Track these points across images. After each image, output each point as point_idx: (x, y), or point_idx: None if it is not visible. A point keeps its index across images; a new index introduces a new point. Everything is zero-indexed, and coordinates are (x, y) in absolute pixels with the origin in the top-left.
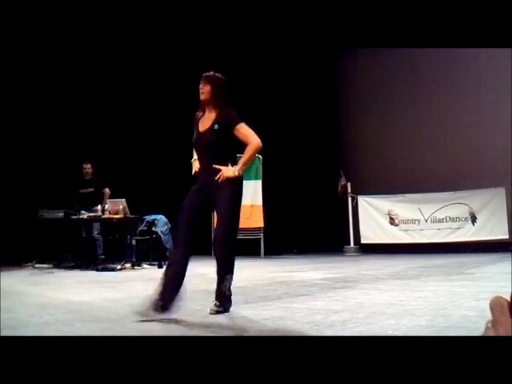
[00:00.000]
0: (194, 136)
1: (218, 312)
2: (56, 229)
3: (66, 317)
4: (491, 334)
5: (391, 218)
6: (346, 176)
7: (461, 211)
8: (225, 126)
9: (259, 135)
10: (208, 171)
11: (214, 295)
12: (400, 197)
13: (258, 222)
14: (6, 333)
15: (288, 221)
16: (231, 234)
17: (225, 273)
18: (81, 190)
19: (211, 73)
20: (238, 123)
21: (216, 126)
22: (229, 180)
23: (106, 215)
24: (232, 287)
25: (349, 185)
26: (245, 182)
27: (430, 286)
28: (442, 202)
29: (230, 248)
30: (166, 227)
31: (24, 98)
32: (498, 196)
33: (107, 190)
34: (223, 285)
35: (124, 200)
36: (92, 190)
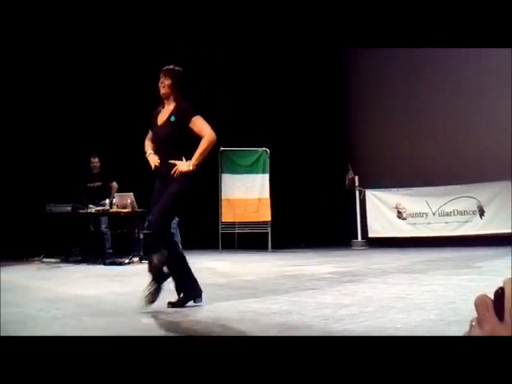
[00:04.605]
0: (153, 130)
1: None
2: (64, 223)
3: (73, 311)
4: (477, 331)
5: (399, 212)
6: (354, 169)
7: (468, 204)
8: (181, 119)
9: (267, 129)
10: (165, 165)
11: (220, 288)
12: (408, 190)
13: (266, 215)
14: (14, 327)
15: (295, 214)
16: (165, 219)
17: (156, 250)
18: (88, 184)
19: (171, 66)
20: (193, 116)
21: (172, 118)
22: (181, 177)
23: (114, 209)
24: (240, 280)
25: (356, 178)
26: (252, 176)
27: (438, 279)
28: (450, 195)
29: (159, 231)
30: (173, 221)
31: (30, 93)
32: (505, 189)
33: (115, 184)
34: (155, 258)
35: (132, 194)
36: (100, 183)
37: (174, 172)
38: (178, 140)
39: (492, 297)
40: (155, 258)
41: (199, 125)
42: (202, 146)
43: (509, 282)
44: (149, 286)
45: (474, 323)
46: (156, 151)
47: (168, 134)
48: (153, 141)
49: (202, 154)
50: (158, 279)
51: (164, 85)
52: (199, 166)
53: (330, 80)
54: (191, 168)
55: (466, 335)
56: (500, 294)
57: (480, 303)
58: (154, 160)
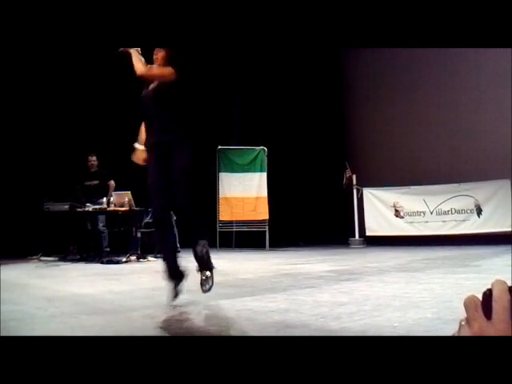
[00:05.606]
0: (143, 93)
1: (209, 289)
2: (61, 221)
3: (71, 309)
4: (466, 330)
5: (396, 211)
6: (352, 168)
7: (466, 203)
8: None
9: (265, 128)
10: (159, 130)
11: (217, 286)
12: (405, 189)
13: (263, 214)
14: (12, 325)
15: (293, 213)
16: (195, 197)
17: (200, 237)
18: (86, 183)
19: None
20: (170, 65)
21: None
22: (183, 142)
23: (112, 208)
24: (237, 279)
25: (354, 177)
26: (250, 175)
27: (435, 278)
28: (448, 194)
29: (197, 211)
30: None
31: (29, 91)
32: (503, 188)
33: (112, 183)
34: (199, 249)
35: (129, 192)
36: (97, 182)
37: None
38: (170, 100)
39: (481, 297)
40: (201, 246)
41: (161, 67)
42: (138, 66)
43: (496, 284)
44: (202, 274)
45: (463, 323)
46: (148, 119)
47: (159, 92)
48: (143, 101)
49: (135, 61)
50: (208, 265)
51: (157, 57)
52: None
53: (329, 79)
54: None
55: (456, 334)
56: (488, 294)
57: (469, 303)
58: (138, 157)
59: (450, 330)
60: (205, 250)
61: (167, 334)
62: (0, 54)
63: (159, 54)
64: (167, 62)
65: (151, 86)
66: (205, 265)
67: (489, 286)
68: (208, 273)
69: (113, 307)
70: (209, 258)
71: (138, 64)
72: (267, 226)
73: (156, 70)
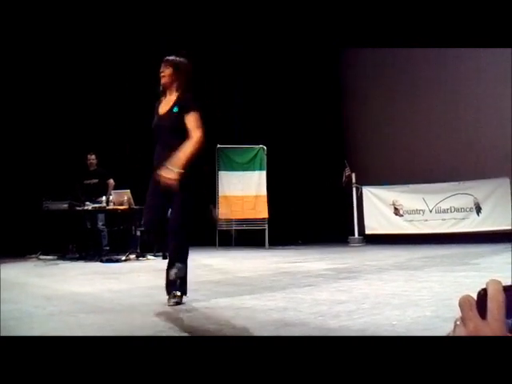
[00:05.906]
0: (154, 120)
1: (176, 303)
2: (60, 220)
3: (70, 308)
4: (461, 329)
5: (396, 209)
6: (351, 167)
7: (466, 201)
8: (182, 110)
9: (264, 126)
10: (166, 156)
11: (217, 285)
12: (404, 187)
13: (263, 212)
14: (11, 323)
15: (292, 211)
16: (184, 225)
17: (177, 260)
18: (85, 181)
19: (172, 56)
20: (192, 110)
21: (176, 109)
22: (182, 183)
23: (111, 206)
24: (236, 277)
25: (353, 175)
26: (249, 173)
27: (434, 276)
28: (447, 192)
29: (181, 237)
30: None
31: (28, 89)
32: (502, 186)
33: (111, 181)
34: (173, 272)
35: (128, 191)
36: (96, 181)
37: (165, 183)
38: (182, 132)
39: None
40: (176, 269)
41: (193, 122)
42: (187, 149)
43: (491, 283)
44: (168, 300)
45: (458, 322)
46: (157, 142)
47: (171, 126)
48: (154, 130)
49: (185, 157)
50: (175, 289)
51: (164, 74)
52: (186, 166)
53: (328, 77)
54: (176, 173)
55: (451, 334)
56: (482, 294)
57: (464, 303)
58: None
59: (448, 328)
60: (177, 276)
61: (166, 333)
62: (0, 53)
63: (166, 72)
64: (174, 78)
65: (164, 111)
66: (172, 289)
67: (485, 286)
68: (172, 301)
69: (112, 306)
70: (183, 283)
71: (201, 128)
72: (266, 225)
73: (196, 127)
